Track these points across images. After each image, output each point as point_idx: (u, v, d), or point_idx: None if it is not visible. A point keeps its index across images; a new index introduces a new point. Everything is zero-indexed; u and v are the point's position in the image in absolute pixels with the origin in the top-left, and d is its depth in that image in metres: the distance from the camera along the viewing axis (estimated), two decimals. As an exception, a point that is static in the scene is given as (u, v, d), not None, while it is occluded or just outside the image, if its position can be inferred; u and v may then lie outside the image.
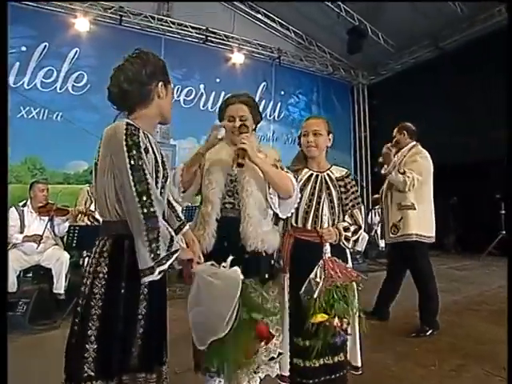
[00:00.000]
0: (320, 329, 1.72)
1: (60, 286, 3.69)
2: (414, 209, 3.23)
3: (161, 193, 1.34)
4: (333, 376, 1.86)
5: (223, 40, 7.77)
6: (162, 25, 7.18)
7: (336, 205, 1.97)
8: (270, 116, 8.47)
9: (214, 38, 7.69)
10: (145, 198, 1.19)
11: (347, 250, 2.00)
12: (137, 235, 1.19)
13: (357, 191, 2.05)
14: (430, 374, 2.48)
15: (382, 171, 3.44)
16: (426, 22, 7.18)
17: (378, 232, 5.85)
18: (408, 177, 3.16)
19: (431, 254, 7.05)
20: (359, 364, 1.97)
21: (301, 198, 1.92)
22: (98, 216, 3.99)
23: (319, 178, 2.01)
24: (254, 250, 1.68)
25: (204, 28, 7.52)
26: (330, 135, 2.06)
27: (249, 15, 8.15)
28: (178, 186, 1.79)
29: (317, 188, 1.99)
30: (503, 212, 6.65)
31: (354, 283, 1.84)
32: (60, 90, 6.32)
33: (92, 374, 1.21)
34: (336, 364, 1.87)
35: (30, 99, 5.97)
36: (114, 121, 1.34)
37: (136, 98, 1.34)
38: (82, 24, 6.38)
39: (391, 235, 3.33)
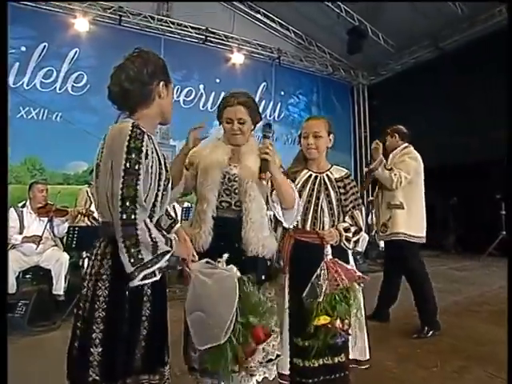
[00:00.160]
0: (320, 330, 1.71)
1: (59, 287, 3.68)
2: (403, 208, 3.26)
3: (162, 195, 1.33)
4: (333, 376, 1.85)
5: (223, 40, 7.78)
6: (161, 25, 7.19)
7: (335, 206, 1.96)
8: (270, 116, 8.47)
9: (214, 38, 7.69)
10: (128, 204, 1.16)
11: (349, 251, 1.99)
12: (117, 240, 1.18)
13: (357, 192, 2.03)
14: (432, 375, 2.47)
15: (368, 168, 3.50)
16: (426, 22, 7.18)
17: (378, 232, 5.86)
18: (395, 174, 3.21)
19: (431, 255, 7.09)
20: (367, 356, 1.99)
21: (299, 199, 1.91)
22: (97, 216, 3.97)
23: (318, 179, 2.00)
24: (254, 255, 1.69)
25: (204, 28, 7.52)
26: (331, 136, 2.04)
27: (248, 15, 8.16)
28: None
29: (315, 189, 1.97)
30: (503, 212, 6.65)
31: (355, 283, 1.83)
32: (60, 90, 6.33)
33: (97, 378, 1.19)
34: (336, 365, 1.86)
35: (30, 99, 5.97)
36: (115, 121, 1.33)
37: (137, 97, 1.32)
38: (81, 24, 6.38)
39: (381, 234, 3.38)
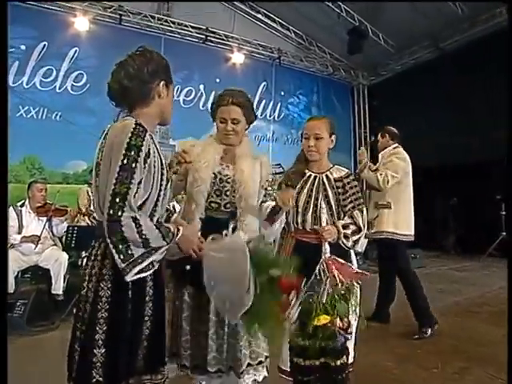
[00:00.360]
0: (319, 329, 1.70)
1: (58, 287, 3.67)
2: (390, 208, 3.33)
3: (164, 195, 1.32)
4: (333, 376, 1.84)
5: (223, 40, 7.75)
6: (161, 24, 7.16)
7: (334, 206, 1.94)
8: (269, 116, 8.46)
9: (214, 37, 7.67)
10: (117, 200, 1.14)
11: (351, 251, 1.97)
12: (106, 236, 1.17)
13: (358, 192, 1.99)
14: (433, 376, 2.46)
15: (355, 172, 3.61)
16: (426, 22, 7.17)
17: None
18: (380, 174, 3.28)
19: (431, 256, 7.09)
20: (350, 360, 1.93)
21: (298, 200, 1.91)
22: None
23: (317, 179, 1.99)
24: None
25: (204, 28, 7.50)
26: (333, 136, 2.01)
27: (249, 15, 8.13)
28: None
29: (314, 190, 1.96)
30: (504, 213, 6.63)
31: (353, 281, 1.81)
32: (59, 89, 6.30)
33: (100, 379, 1.17)
34: (337, 367, 1.84)
35: (29, 99, 5.95)
36: (115, 120, 1.32)
37: (136, 95, 1.31)
38: (81, 23, 6.36)
39: (366, 232, 3.43)
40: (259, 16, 8.17)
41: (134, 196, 1.18)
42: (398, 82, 8.69)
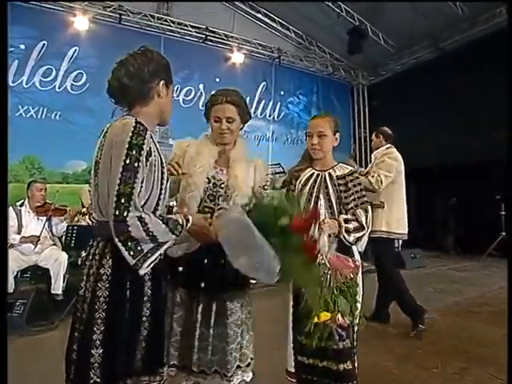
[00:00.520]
0: (319, 327, 1.68)
1: (58, 287, 3.66)
2: (383, 207, 3.36)
3: (164, 193, 1.32)
4: (338, 383, 1.81)
5: (223, 39, 7.75)
6: (161, 24, 7.16)
7: (334, 203, 1.92)
8: (269, 116, 8.45)
9: (214, 37, 7.66)
10: (123, 201, 1.14)
11: (354, 248, 1.94)
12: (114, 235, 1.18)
13: (362, 190, 1.97)
14: (433, 376, 2.46)
15: None
16: (426, 22, 7.16)
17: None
18: (372, 176, 3.31)
19: (431, 256, 7.08)
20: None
21: (300, 197, 1.90)
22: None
23: (319, 177, 1.98)
24: None
25: (204, 27, 7.49)
26: (337, 134, 2.01)
27: (249, 15, 8.13)
28: None
29: (315, 187, 1.95)
30: (503, 213, 6.63)
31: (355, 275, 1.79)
32: (59, 88, 6.29)
33: (98, 380, 1.17)
34: (342, 372, 1.79)
35: (29, 98, 5.94)
36: (111, 115, 1.32)
37: (135, 94, 1.31)
38: (81, 22, 6.34)
39: None
40: (259, 16, 8.17)
41: (138, 195, 1.18)
42: (398, 81, 8.68)
